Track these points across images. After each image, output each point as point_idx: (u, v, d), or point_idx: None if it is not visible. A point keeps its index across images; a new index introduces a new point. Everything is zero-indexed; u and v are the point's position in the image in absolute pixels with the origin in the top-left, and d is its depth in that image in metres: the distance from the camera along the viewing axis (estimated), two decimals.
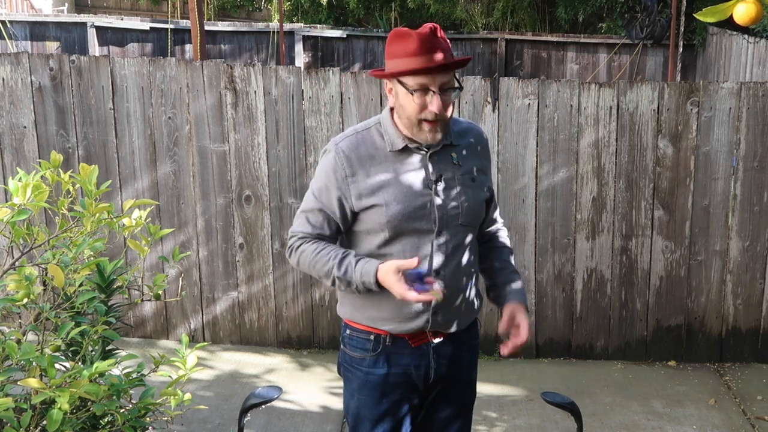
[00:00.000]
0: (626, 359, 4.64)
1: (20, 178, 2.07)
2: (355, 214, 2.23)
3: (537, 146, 4.43)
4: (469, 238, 2.30)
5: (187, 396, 2.21)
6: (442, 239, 2.22)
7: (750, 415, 4.04)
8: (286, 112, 4.45)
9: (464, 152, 2.28)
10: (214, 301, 4.69)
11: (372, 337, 2.29)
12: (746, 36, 7.06)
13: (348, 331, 2.35)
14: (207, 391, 4.13)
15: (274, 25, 10.08)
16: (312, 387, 4.22)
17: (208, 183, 4.54)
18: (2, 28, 9.41)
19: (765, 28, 6.67)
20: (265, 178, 4.50)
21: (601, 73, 9.58)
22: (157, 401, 2.15)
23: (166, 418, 2.30)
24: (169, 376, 2.21)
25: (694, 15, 2.09)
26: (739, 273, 4.52)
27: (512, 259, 2.49)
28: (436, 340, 2.31)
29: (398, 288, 2.07)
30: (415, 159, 2.22)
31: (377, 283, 2.13)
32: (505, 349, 2.31)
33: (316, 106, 4.42)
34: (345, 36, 10.08)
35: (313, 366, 4.49)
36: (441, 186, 2.21)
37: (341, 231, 2.29)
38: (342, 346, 2.38)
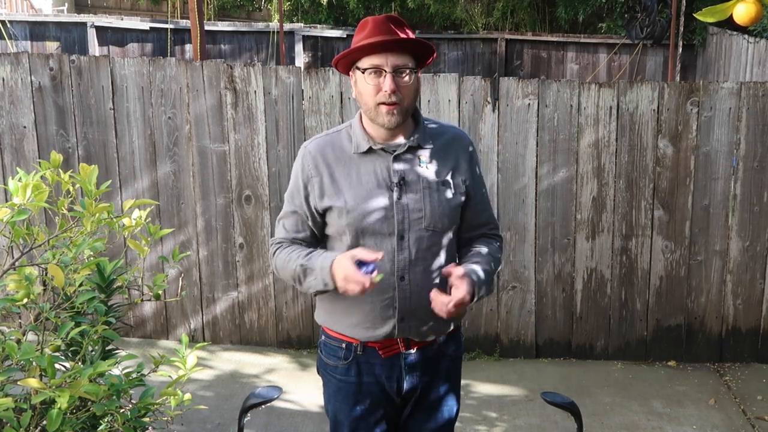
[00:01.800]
0: (626, 359, 4.64)
1: (20, 178, 2.06)
2: (322, 216, 2.24)
3: (537, 146, 4.43)
4: (438, 244, 2.22)
5: (187, 396, 2.21)
6: (404, 243, 2.17)
7: (750, 415, 4.04)
8: (286, 112, 4.45)
9: (436, 154, 2.23)
10: (214, 301, 4.69)
11: (344, 345, 2.28)
12: (746, 36, 7.07)
13: (323, 337, 2.36)
14: (207, 391, 4.13)
15: (274, 25, 10.08)
16: (312, 387, 4.21)
17: (208, 183, 4.54)
18: (2, 28, 9.41)
19: (765, 28, 6.67)
20: (265, 178, 4.50)
21: (601, 73, 9.59)
22: (157, 401, 2.15)
23: (166, 418, 2.30)
24: (169, 376, 2.21)
25: (694, 15, 2.09)
26: (739, 273, 4.52)
27: (485, 252, 2.26)
28: (408, 352, 2.26)
29: (345, 272, 2.01)
30: (379, 161, 2.19)
31: (331, 270, 2.08)
32: (437, 308, 2.09)
33: (316, 106, 4.42)
34: (345, 36, 10.08)
35: (313, 366, 4.48)
36: (403, 189, 2.18)
37: (317, 234, 2.29)
38: (318, 352, 2.40)
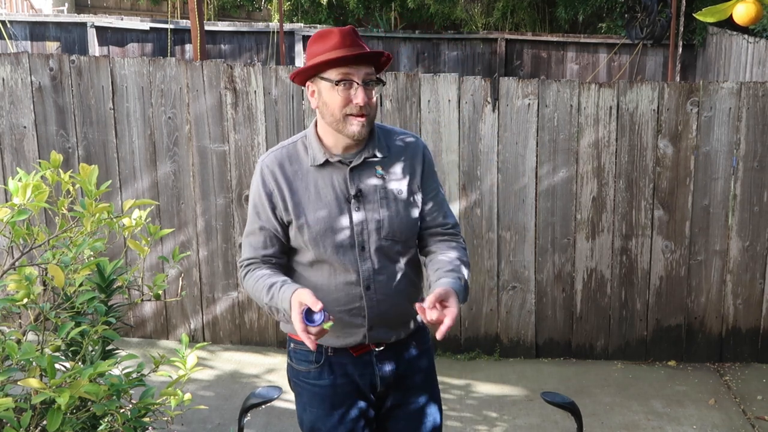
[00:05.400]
0: (626, 359, 4.64)
1: (20, 178, 2.07)
2: (287, 228, 2.22)
3: (537, 146, 4.43)
4: (399, 252, 2.24)
5: (187, 396, 2.21)
6: (366, 254, 2.19)
7: (750, 415, 4.04)
8: (286, 112, 4.45)
9: (391, 164, 2.23)
10: (214, 301, 4.69)
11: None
12: (746, 36, 7.06)
13: (292, 345, 2.34)
14: (207, 391, 4.13)
15: (274, 25, 10.08)
16: None
17: (208, 183, 4.54)
18: (2, 28, 9.42)
19: (765, 28, 6.67)
20: None
21: (601, 73, 9.58)
22: (157, 401, 2.15)
23: (166, 418, 2.30)
24: (169, 376, 2.21)
25: (694, 15, 2.09)
26: (739, 273, 4.52)
27: (450, 258, 2.24)
28: (378, 349, 2.28)
29: (294, 319, 2.01)
30: (336, 173, 2.19)
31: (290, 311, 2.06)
32: (438, 335, 2.03)
33: None
34: None
35: None
36: (361, 200, 2.18)
37: (286, 248, 2.26)
38: (288, 360, 2.37)
